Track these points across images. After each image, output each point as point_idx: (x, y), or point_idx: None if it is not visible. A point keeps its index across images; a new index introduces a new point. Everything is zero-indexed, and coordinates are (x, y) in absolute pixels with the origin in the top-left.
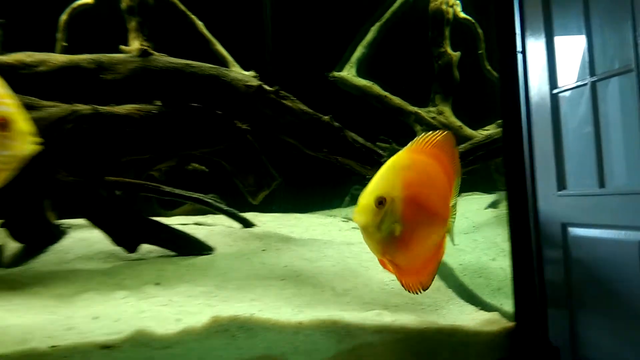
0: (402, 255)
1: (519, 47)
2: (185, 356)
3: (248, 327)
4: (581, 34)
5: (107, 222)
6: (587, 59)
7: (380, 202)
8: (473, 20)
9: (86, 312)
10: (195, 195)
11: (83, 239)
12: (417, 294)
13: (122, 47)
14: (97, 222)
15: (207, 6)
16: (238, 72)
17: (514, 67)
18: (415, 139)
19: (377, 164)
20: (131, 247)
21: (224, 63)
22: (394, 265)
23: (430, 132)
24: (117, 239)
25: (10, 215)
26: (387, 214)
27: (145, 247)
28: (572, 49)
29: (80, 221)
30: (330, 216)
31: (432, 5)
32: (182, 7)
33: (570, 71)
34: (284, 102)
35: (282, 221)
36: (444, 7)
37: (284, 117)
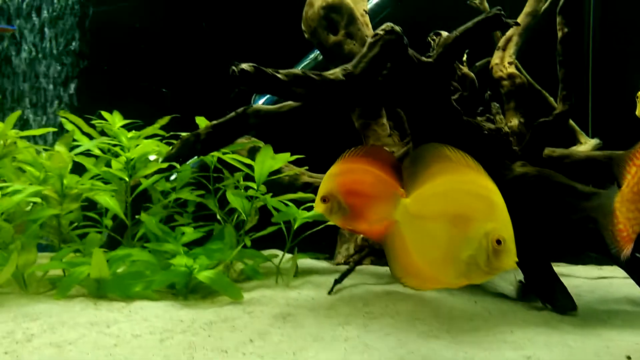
0: (358, 224)
1: None
2: None
3: None
4: None
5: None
6: None
7: (323, 199)
8: None
9: None
10: None
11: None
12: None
13: None
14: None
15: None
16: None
17: None
18: (342, 154)
19: None
20: None
21: (573, 133)
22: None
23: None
24: None
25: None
26: (334, 204)
27: None
28: None
29: None
30: None
31: None
32: (537, 87)
33: None
34: None
35: None
36: None
37: None
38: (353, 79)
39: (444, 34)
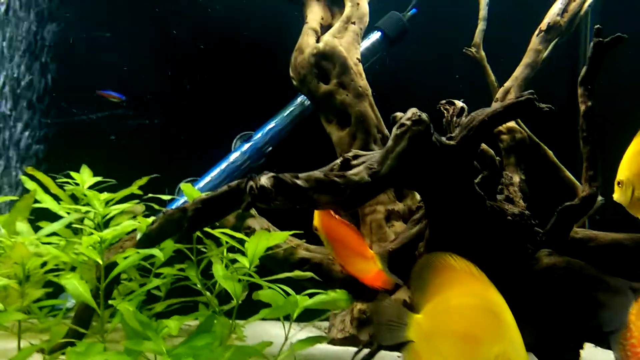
0: (344, 264)
1: None
2: None
3: None
4: None
5: None
6: None
7: (315, 228)
8: None
9: None
10: None
11: None
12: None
13: None
14: None
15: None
16: None
17: None
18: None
19: None
20: None
21: (573, 188)
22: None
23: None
24: None
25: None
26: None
27: None
28: None
29: None
30: None
31: None
32: (536, 139)
33: None
34: None
35: None
36: None
37: None
38: (380, 179)
39: (458, 103)
